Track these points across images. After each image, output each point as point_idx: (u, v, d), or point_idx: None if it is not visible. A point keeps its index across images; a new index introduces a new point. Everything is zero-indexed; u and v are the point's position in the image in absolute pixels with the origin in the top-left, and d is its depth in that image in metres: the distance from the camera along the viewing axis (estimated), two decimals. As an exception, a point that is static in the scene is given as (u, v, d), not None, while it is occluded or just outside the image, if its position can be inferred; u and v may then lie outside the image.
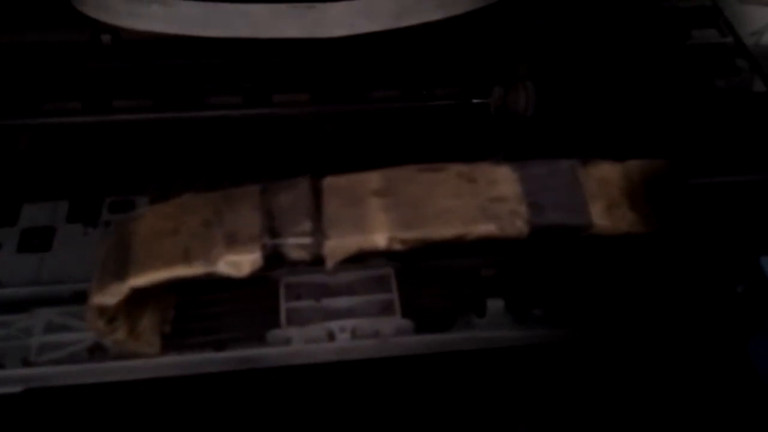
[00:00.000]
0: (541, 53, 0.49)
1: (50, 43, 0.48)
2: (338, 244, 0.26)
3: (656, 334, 0.29)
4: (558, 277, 0.34)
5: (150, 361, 0.33)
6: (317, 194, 0.27)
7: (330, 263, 0.26)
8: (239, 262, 0.26)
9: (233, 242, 0.26)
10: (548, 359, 0.34)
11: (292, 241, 0.26)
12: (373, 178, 0.27)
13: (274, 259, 0.26)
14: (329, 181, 0.27)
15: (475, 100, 0.52)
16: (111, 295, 0.27)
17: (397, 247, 0.26)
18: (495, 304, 0.34)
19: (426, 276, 0.36)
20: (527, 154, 0.42)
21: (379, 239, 0.26)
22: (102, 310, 0.28)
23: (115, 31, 0.48)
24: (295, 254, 0.26)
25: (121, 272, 0.27)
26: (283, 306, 0.34)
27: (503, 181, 0.27)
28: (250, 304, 0.35)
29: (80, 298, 0.36)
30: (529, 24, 0.48)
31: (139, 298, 0.31)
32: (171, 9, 0.38)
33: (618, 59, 0.41)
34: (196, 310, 0.35)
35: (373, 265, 0.36)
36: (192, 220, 0.27)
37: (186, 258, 0.26)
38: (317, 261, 0.26)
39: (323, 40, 0.43)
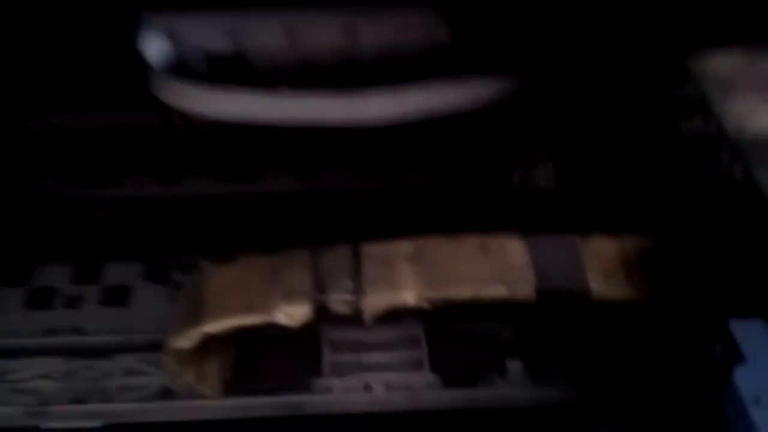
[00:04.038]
0: (557, 138, 0.55)
1: (129, 125, 0.57)
2: (374, 300, 0.31)
3: (646, 392, 0.33)
4: (569, 340, 0.38)
5: (212, 403, 0.38)
6: (357, 258, 0.32)
7: (367, 316, 0.31)
8: (293, 314, 0.31)
9: (288, 297, 0.31)
10: (566, 419, 0.37)
11: (336, 296, 0.31)
12: (404, 246, 0.32)
13: (321, 311, 0.31)
14: (367, 248, 0.32)
15: (499, 179, 0.58)
16: (187, 340, 0.33)
17: (424, 304, 0.31)
18: (514, 365, 0.38)
19: (452, 337, 0.41)
20: (546, 226, 0.47)
21: (408, 297, 0.31)
22: (178, 354, 0.34)
23: (187, 116, 0.57)
24: (338, 308, 0.31)
25: (195, 320, 0.32)
26: (326, 358, 0.39)
27: (513, 250, 0.32)
28: (298, 356, 0.40)
29: (153, 347, 0.42)
30: (544, 113, 0.54)
31: (206, 346, 0.36)
32: (234, 97, 0.45)
33: (619, 145, 0.46)
34: (252, 360, 0.40)
35: (405, 325, 0.41)
36: (254, 277, 0.32)
37: (250, 309, 0.31)
38: (357, 315, 0.31)
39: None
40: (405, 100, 0.46)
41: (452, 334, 0.40)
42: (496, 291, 0.31)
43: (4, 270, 0.49)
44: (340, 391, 0.37)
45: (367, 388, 0.38)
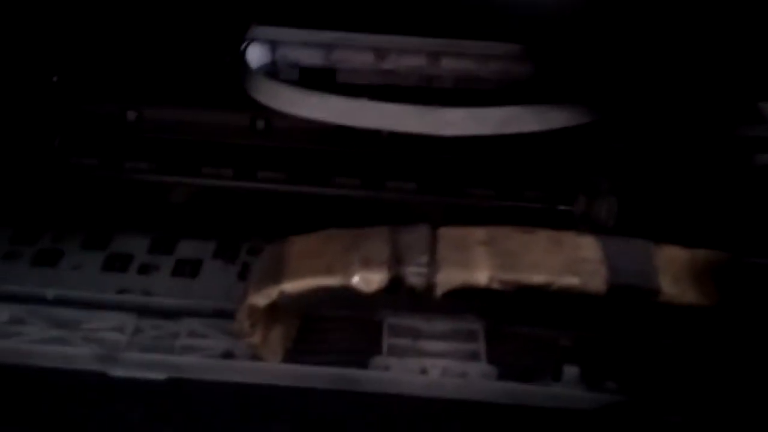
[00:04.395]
0: (622, 173, 0.56)
1: (216, 121, 0.61)
2: (448, 276, 0.32)
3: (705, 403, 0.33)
4: (628, 351, 0.39)
5: (272, 367, 0.39)
6: (433, 238, 0.34)
7: (439, 291, 0.33)
8: (370, 279, 0.33)
9: (366, 264, 0.33)
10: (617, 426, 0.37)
11: (411, 269, 0.33)
12: (479, 232, 0.34)
13: (395, 281, 0.33)
14: (443, 230, 0.34)
15: (560, 207, 0.59)
16: (264, 297, 0.34)
17: (495, 286, 0.32)
18: (571, 370, 0.39)
19: (510, 336, 0.42)
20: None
21: (481, 277, 0.32)
22: (252, 311, 0.35)
23: (269, 119, 0.61)
24: (413, 280, 0.33)
25: (275, 279, 0.34)
26: (385, 340, 0.41)
27: (586, 246, 0.33)
28: (359, 335, 0.42)
29: (219, 313, 0.44)
30: (610, 146, 0.56)
31: (275, 312, 0.38)
32: (324, 100, 0.49)
33: (686, 183, 0.47)
34: (315, 334, 0.42)
35: (463, 320, 0.42)
36: (333, 246, 0.34)
37: (328, 272, 0.33)
38: (429, 289, 0.33)
39: (436, 140, 0.53)
40: (478, 115, 0.49)
41: (510, 333, 0.41)
42: (568, 280, 0.32)
43: (86, 236, 0.53)
44: (397, 371, 0.38)
45: (424, 371, 0.38)
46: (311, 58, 0.56)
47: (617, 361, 0.39)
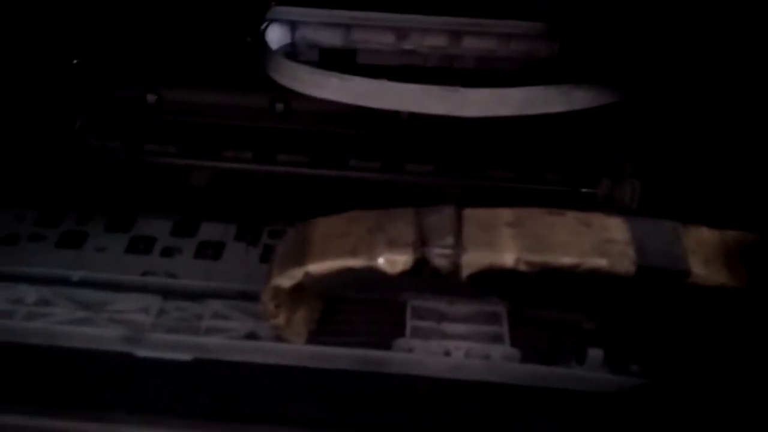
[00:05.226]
0: (646, 155, 0.55)
1: (236, 103, 0.61)
2: (474, 257, 0.32)
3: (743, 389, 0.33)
4: (654, 334, 0.38)
5: (296, 348, 0.40)
6: (459, 219, 0.34)
7: (464, 273, 0.32)
8: (395, 261, 0.33)
9: (391, 245, 0.33)
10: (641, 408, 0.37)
11: (437, 250, 0.32)
12: (505, 213, 0.33)
13: (420, 263, 0.33)
14: (469, 211, 0.34)
15: (583, 189, 0.58)
16: (288, 278, 0.34)
17: (522, 267, 0.32)
18: (595, 354, 0.39)
19: (533, 319, 0.41)
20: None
21: (508, 258, 0.32)
22: (276, 292, 0.35)
23: (288, 101, 0.61)
24: (438, 262, 0.32)
25: (300, 260, 0.34)
26: (409, 322, 0.41)
27: (614, 227, 0.33)
28: (382, 317, 0.42)
29: (242, 295, 0.45)
30: (634, 127, 0.55)
31: (299, 294, 0.38)
32: (346, 82, 0.48)
33: (714, 163, 0.46)
34: (338, 316, 0.42)
35: (486, 302, 0.42)
36: (358, 228, 0.34)
37: (353, 253, 0.33)
38: (454, 270, 0.32)
39: (456, 122, 0.52)
40: (501, 96, 0.48)
41: (533, 316, 0.40)
42: (596, 262, 0.32)
43: (109, 218, 0.53)
44: (420, 353, 0.38)
45: (447, 353, 0.38)
46: (331, 38, 0.56)
47: (641, 343, 0.39)
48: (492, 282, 0.39)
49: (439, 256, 0.32)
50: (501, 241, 0.32)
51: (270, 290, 0.35)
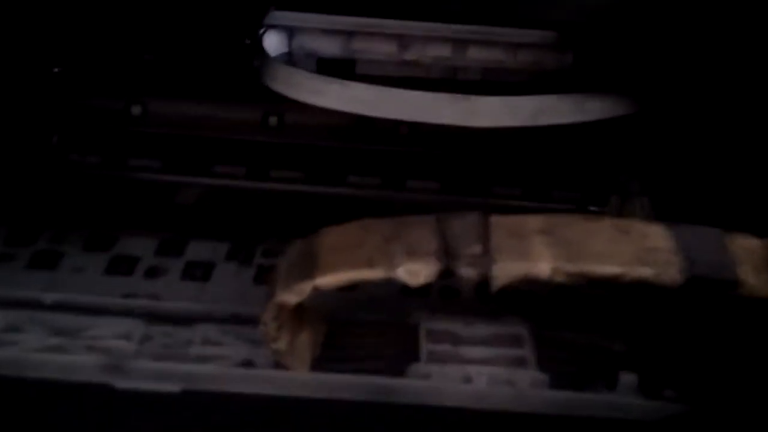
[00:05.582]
0: (655, 172, 0.53)
1: (227, 116, 0.58)
2: (506, 268, 0.29)
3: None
4: (692, 355, 0.35)
5: (299, 377, 0.35)
6: (486, 227, 0.30)
7: (495, 285, 0.29)
8: (417, 271, 0.29)
9: (412, 254, 0.29)
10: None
11: (464, 260, 0.29)
12: (536, 220, 0.30)
13: (446, 273, 0.29)
14: (495, 218, 0.31)
15: (592, 207, 0.56)
16: (295, 294, 0.31)
17: (559, 279, 0.29)
18: (628, 378, 0.35)
19: (557, 342, 0.38)
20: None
21: (544, 268, 0.29)
22: (280, 310, 0.32)
23: (282, 114, 0.58)
24: (466, 272, 0.29)
25: (307, 273, 0.30)
26: (424, 346, 0.37)
27: (655, 235, 0.30)
28: (393, 341, 0.38)
29: (235, 318, 0.41)
30: (642, 144, 0.53)
31: (302, 315, 0.34)
32: (347, 89, 0.46)
33: (725, 180, 0.44)
34: (344, 340, 0.38)
35: (506, 323, 0.39)
36: (373, 237, 0.31)
37: (368, 264, 0.29)
38: (483, 282, 0.29)
39: (459, 136, 0.50)
40: (512, 105, 0.46)
41: (558, 338, 0.37)
42: (641, 272, 0.28)
43: (88, 237, 0.49)
44: (438, 379, 0.34)
45: (468, 379, 0.35)
46: (329, 47, 0.53)
47: (677, 367, 0.36)
48: (513, 300, 0.36)
49: (466, 265, 0.29)
50: (534, 250, 0.29)
51: (273, 308, 0.32)
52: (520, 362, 0.36)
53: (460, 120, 0.45)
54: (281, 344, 0.34)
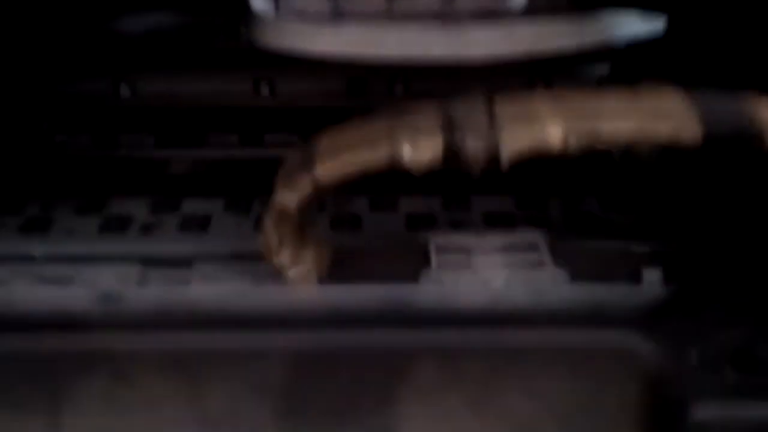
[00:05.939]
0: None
1: (219, 88, 0.57)
2: (514, 137, 0.27)
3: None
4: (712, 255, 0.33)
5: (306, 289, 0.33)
6: (491, 103, 0.29)
7: (505, 156, 0.27)
8: (422, 149, 0.27)
9: (416, 132, 0.28)
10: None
11: (470, 133, 0.28)
12: (541, 93, 0.29)
13: (452, 151, 0.28)
14: (500, 96, 0.29)
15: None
16: (296, 192, 0.29)
17: (572, 143, 0.27)
18: (652, 274, 0.33)
19: (576, 248, 0.36)
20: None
21: (554, 132, 0.27)
22: (282, 216, 0.30)
23: (273, 81, 0.57)
24: (472, 147, 0.27)
25: (306, 167, 0.29)
26: (435, 258, 0.35)
27: (670, 96, 0.28)
28: (402, 257, 0.36)
29: (236, 257, 0.38)
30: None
31: (304, 234, 0.32)
32: (339, 30, 0.45)
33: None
34: (350, 261, 0.35)
35: (521, 233, 0.37)
36: (375, 124, 0.29)
37: (371, 146, 0.28)
38: (493, 157, 0.27)
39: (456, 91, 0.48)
40: (508, 32, 0.45)
41: (576, 245, 0.35)
42: (659, 127, 0.27)
43: (79, 204, 0.47)
44: (453, 284, 0.32)
45: (484, 283, 0.32)
46: (317, 4, 0.53)
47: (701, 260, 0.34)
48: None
49: (473, 139, 0.27)
50: (543, 115, 0.28)
51: (274, 213, 0.30)
52: (537, 264, 0.34)
53: (454, 51, 0.44)
54: (284, 257, 0.32)
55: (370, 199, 0.47)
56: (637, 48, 0.45)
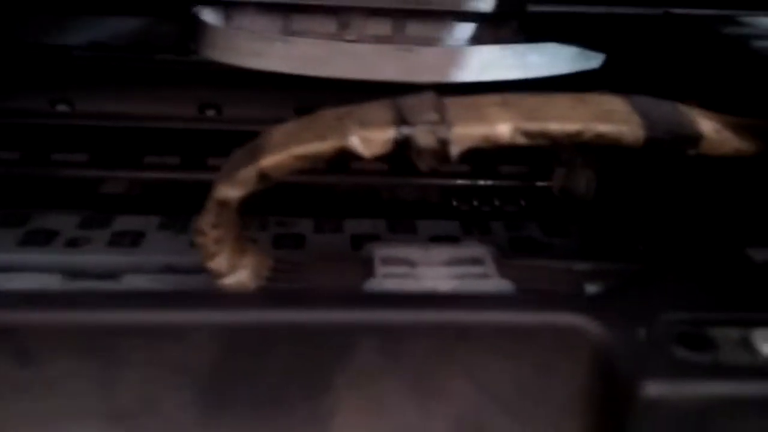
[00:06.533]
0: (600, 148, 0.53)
1: (160, 113, 0.55)
2: (465, 131, 0.27)
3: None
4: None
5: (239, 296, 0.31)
6: (441, 102, 0.29)
7: (455, 151, 0.27)
8: (371, 139, 0.27)
9: (367, 125, 0.27)
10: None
11: (420, 126, 0.27)
12: (490, 96, 0.29)
13: (402, 143, 0.27)
14: (450, 98, 0.29)
15: (538, 183, 0.55)
16: (238, 185, 0.27)
17: (520, 140, 0.27)
18: (593, 289, 0.33)
19: (521, 263, 0.35)
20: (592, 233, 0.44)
21: (503, 129, 0.27)
22: (221, 210, 0.28)
23: (219, 106, 0.56)
24: (423, 139, 0.27)
25: (251, 160, 0.27)
26: (379, 269, 0.33)
27: (612, 101, 0.29)
28: (345, 270, 0.34)
29: (168, 269, 0.36)
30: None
31: (243, 244, 0.30)
32: (291, 47, 0.44)
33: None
34: (291, 273, 0.34)
35: (464, 246, 0.36)
36: (323, 119, 0.28)
37: (320, 138, 0.27)
38: (442, 149, 0.27)
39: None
40: (458, 58, 0.46)
41: (521, 261, 0.34)
42: (603, 128, 0.27)
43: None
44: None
45: (429, 290, 0.31)
46: (267, 25, 0.53)
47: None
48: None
49: (423, 132, 0.27)
50: (492, 115, 0.28)
51: (212, 209, 0.28)
52: (482, 275, 0.33)
53: (405, 75, 0.45)
54: (221, 263, 0.30)
55: (314, 221, 0.46)
56: (577, 80, 0.47)
